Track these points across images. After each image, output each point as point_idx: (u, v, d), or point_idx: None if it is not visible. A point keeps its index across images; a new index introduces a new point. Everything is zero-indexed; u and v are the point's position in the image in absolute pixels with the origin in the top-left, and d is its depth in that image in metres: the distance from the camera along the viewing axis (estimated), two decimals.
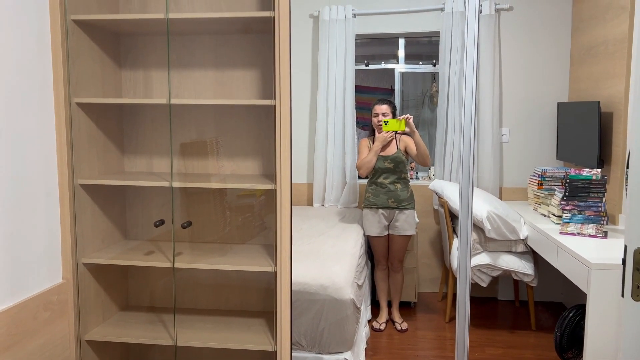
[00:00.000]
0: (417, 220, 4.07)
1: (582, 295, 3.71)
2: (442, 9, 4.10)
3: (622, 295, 1.67)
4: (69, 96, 1.93)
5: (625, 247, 1.64)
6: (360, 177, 4.33)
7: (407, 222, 3.52)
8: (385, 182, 3.51)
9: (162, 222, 2.05)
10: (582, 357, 2.77)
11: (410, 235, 3.55)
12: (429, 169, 4.49)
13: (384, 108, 3.48)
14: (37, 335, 1.80)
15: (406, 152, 3.52)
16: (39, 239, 1.84)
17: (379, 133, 3.50)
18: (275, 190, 1.87)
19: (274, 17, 1.80)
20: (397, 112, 4.50)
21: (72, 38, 1.93)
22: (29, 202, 1.79)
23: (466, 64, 1.64)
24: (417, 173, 4.46)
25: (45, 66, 1.86)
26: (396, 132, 3.47)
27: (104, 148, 2.16)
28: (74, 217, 1.97)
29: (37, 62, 1.82)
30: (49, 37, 1.87)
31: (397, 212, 3.52)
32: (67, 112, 1.92)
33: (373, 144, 3.52)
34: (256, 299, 2.28)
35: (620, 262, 2.35)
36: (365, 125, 4.79)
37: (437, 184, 3.89)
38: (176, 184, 1.96)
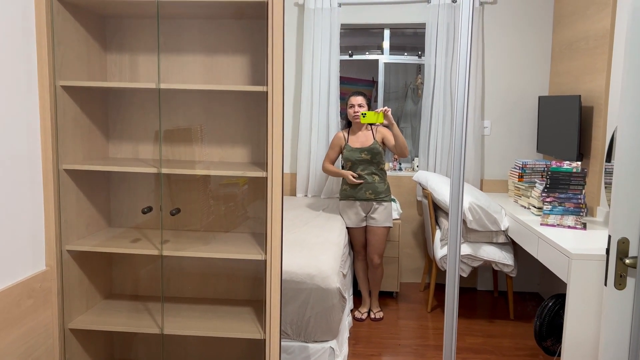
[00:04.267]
0: (401, 211, 4.11)
1: (559, 286, 3.80)
2: (428, 1, 4.11)
3: (605, 284, 1.72)
4: (54, 79, 1.87)
5: (609, 237, 1.68)
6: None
7: (384, 214, 3.54)
8: (363, 173, 3.52)
9: (150, 208, 2.01)
10: (560, 345, 2.84)
11: (388, 227, 3.58)
12: (412, 160, 4.52)
13: (359, 99, 3.49)
14: (20, 323, 1.76)
15: (383, 143, 3.53)
16: (22, 224, 1.79)
17: (355, 124, 3.53)
18: (267, 177, 1.85)
19: (267, 2, 1.78)
20: (379, 103, 4.53)
21: (57, 19, 1.87)
22: (12, 188, 1.74)
23: (459, 62, 1.64)
24: (400, 164, 4.49)
25: (30, 47, 1.80)
26: (372, 124, 3.50)
27: (89, 133, 2.11)
28: (58, 203, 1.92)
29: (21, 43, 1.76)
30: (33, 17, 1.81)
31: (374, 203, 3.54)
32: (51, 95, 1.86)
33: (348, 136, 3.54)
34: (243, 287, 2.26)
35: (599, 252, 2.41)
36: None
37: (421, 175, 3.92)
38: (165, 171, 1.93)
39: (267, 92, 1.82)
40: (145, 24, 2.16)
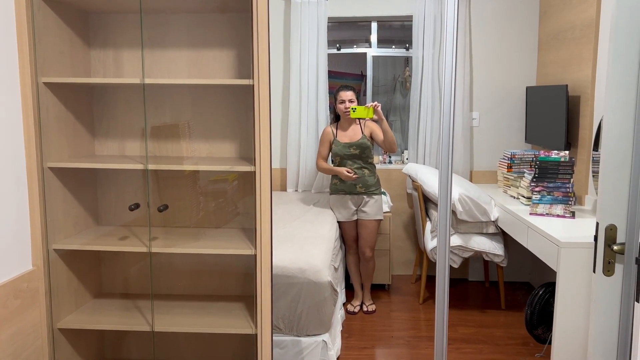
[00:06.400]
0: (391, 203, 4.11)
1: (549, 275, 3.83)
2: None
3: (594, 271, 1.73)
4: (36, 75, 1.84)
5: (597, 224, 1.69)
6: None
7: (375, 207, 3.54)
8: (352, 168, 3.51)
9: (137, 205, 1.99)
10: (551, 333, 2.87)
11: (379, 220, 3.58)
12: (402, 152, 4.53)
13: (349, 94, 3.46)
14: (7, 325, 1.74)
15: (371, 137, 3.53)
16: (7, 224, 1.77)
17: (344, 119, 3.52)
18: (255, 172, 1.84)
19: None
20: (368, 97, 4.52)
21: (38, 14, 1.84)
22: None
23: (445, 51, 1.64)
24: (390, 157, 4.49)
25: (10, 44, 1.77)
26: (361, 119, 3.49)
27: (74, 131, 2.08)
28: (43, 201, 1.90)
29: (1, 40, 1.73)
30: (13, 13, 1.78)
31: (365, 197, 3.54)
32: (34, 93, 1.83)
33: (337, 130, 3.53)
34: (234, 283, 2.25)
35: (588, 240, 2.43)
36: None
37: (410, 168, 3.92)
38: (151, 167, 1.91)
39: (253, 85, 1.80)
40: (129, 19, 2.13)
